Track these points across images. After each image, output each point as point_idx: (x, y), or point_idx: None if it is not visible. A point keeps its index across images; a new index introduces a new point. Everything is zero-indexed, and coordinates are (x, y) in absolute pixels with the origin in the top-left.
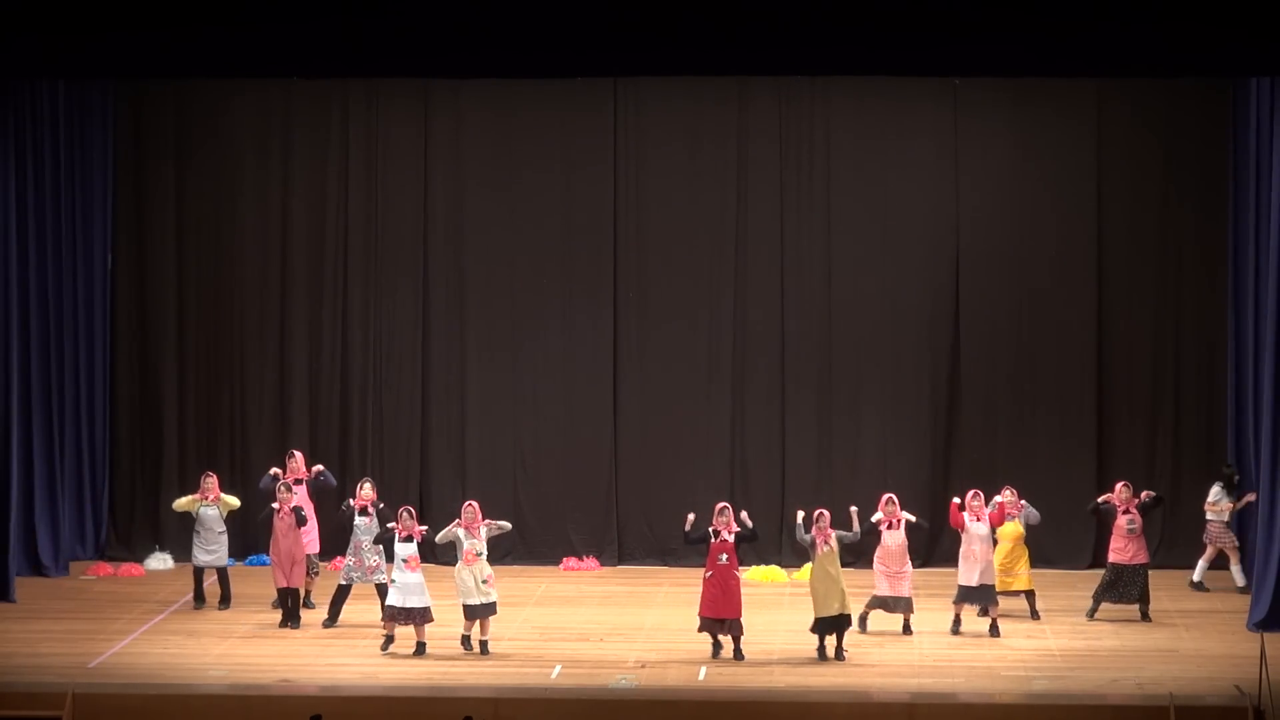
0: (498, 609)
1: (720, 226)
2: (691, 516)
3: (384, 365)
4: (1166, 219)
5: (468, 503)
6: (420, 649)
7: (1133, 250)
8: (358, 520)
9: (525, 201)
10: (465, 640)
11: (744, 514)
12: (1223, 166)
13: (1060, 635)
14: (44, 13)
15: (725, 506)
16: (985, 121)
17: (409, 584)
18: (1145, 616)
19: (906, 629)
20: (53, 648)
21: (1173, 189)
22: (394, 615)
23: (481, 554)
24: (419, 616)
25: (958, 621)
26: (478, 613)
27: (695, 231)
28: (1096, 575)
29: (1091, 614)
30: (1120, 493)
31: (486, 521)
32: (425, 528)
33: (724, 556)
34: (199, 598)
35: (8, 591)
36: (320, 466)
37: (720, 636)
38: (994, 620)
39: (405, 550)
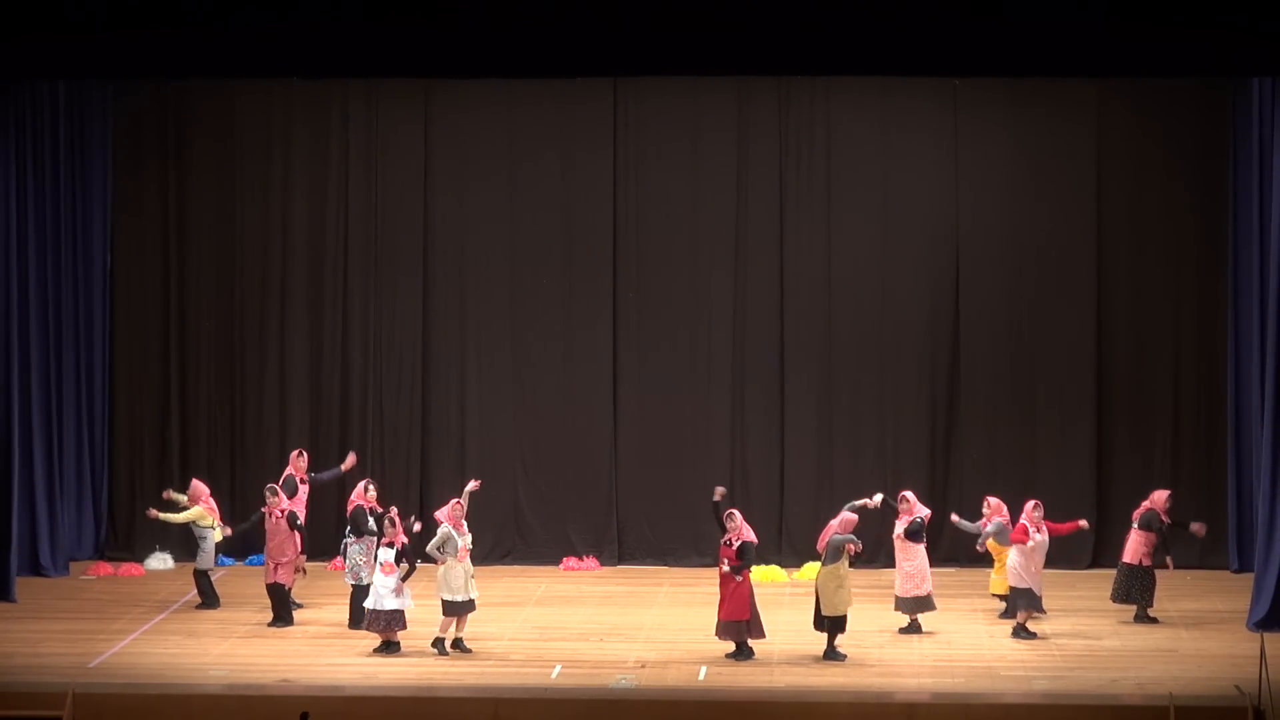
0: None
1: (720, 226)
2: (722, 489)
3: (384, 365)
4: (1166, 219)
5: (456, 500)
6: (394, 647)
7: (1133, 250)
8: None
9: (525, 201)
10: (440, 643)
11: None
12: (1223, 167)
13: (1060, 635)
14: (44, 13)
15: (733, 513)
16: (985, 121)
17: (387, 588)
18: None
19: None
20: (53, 648)
21: (1173, 189)
22: (374, 620)
23: (470, 548)
24: (397, 620)
25: (1026, 630)
26: (462, 609)
27: (695, 232)
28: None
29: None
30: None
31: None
32: (405, 540)
33: (725, 563)
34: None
35: (8, 591)
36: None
37: (737, 640)
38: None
39: (385, 555)
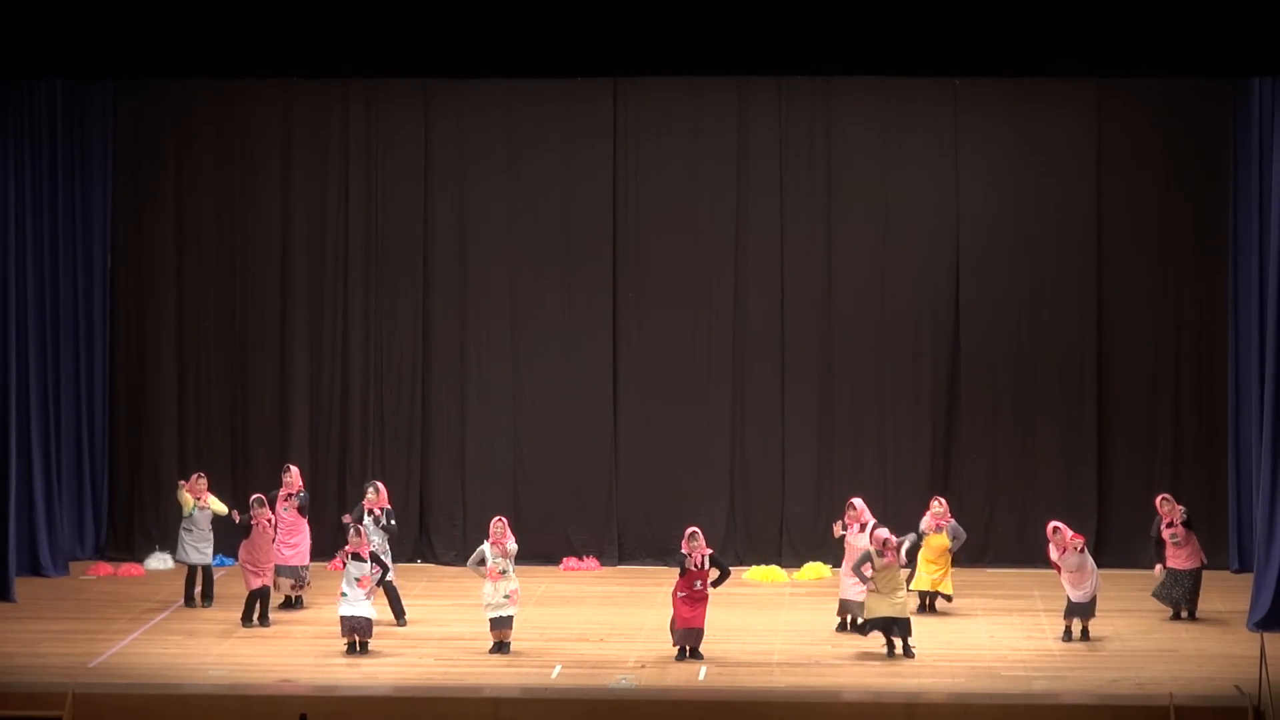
0: (512, 623)
1: (720, 226)
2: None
3: (384, 365)
4: (1166, 219)
5: (497, 518)
6: (362, 647)
7: (1133, 250)
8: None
9: (525, 201)
10: (495, 646)
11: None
12: (1223, 166)
13: (1060, 635)
14: (44, 13)
15: (695, 531)
16: (986, 121)
17: (358, 597)
18: (1191, 615)
19: (856, 627)
20: (53, 648)
21: (1173, 189)
22: (344, 626)
23: (506, 571)
24: (361, 626)
25: (1067, 632)
26: (495, 624)
27: (695, 231)
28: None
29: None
30: (1162, 506)
31: (508, 543)
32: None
33: (698, 584)
34: (189, 598)
35: (8, 591)
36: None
37: (691, 645)
38: (1085, 628)
39: (358, 569)
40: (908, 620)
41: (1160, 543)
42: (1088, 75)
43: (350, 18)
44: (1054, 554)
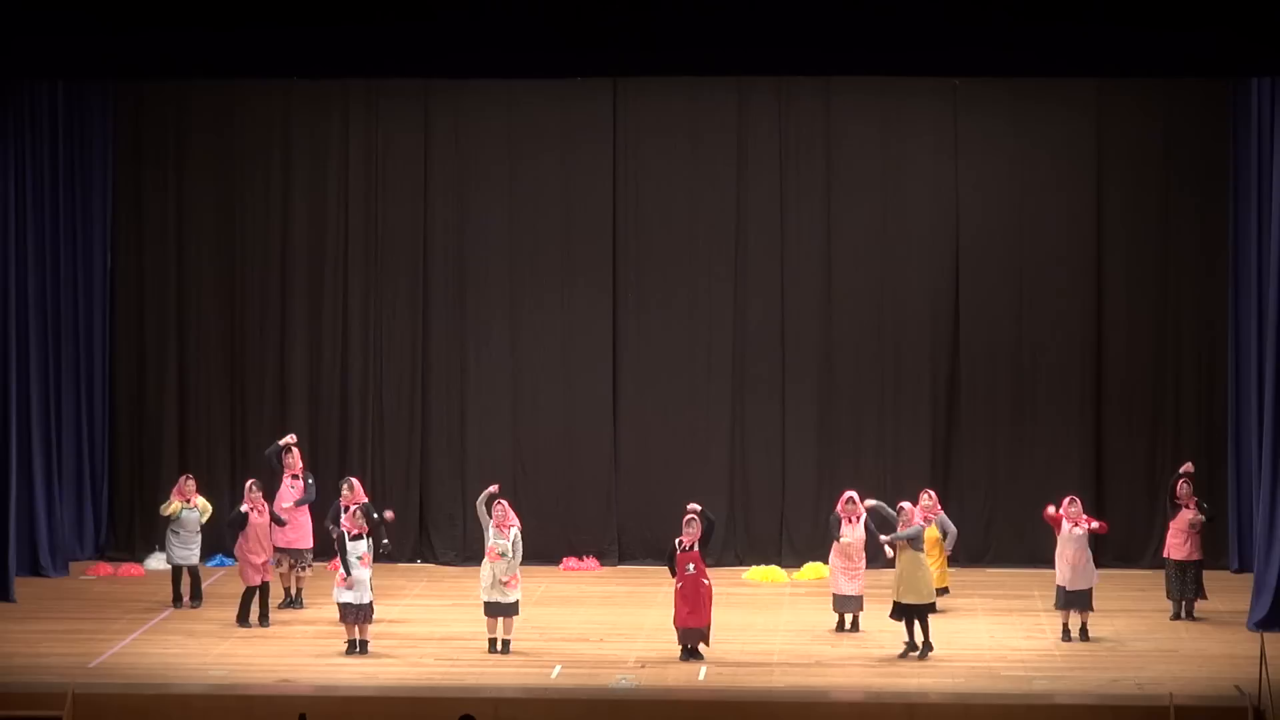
0: (519, 609)
1: (720, 226)
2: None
3: (384, 365)
4: (1166, 218)
5: (498, 501)
6: (363, 646)
7: (1133, 249)
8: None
9: (525, 201)
10: (491, 644)
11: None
12: (1223, 166)
13: (1060, 635)
14: (44, 13)
15: (692, 519)
16: (985, 120)
17: (361, 581)
18: (1190, 613)
19: (854, 626)
20: (53, 648)
21: (1173, 188)
22: (349, 614)
23: (505, 554)
24: (364, 613)
25: (1065, 630)
26: (491, 611)
27: (695, 232)
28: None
29: (1178, 614)
30: (1181, 488)
31: (513, 526)
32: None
33: (691, 566)
34: (178, 598)
35: (8, 591)
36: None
37: (691, 644)
38: (1083, 624)
39: (359, 547)
40: (928, 606)
41: (1175, 503)
42: (1087, 75)
43: (350, 18)
44: (1064, 526)
